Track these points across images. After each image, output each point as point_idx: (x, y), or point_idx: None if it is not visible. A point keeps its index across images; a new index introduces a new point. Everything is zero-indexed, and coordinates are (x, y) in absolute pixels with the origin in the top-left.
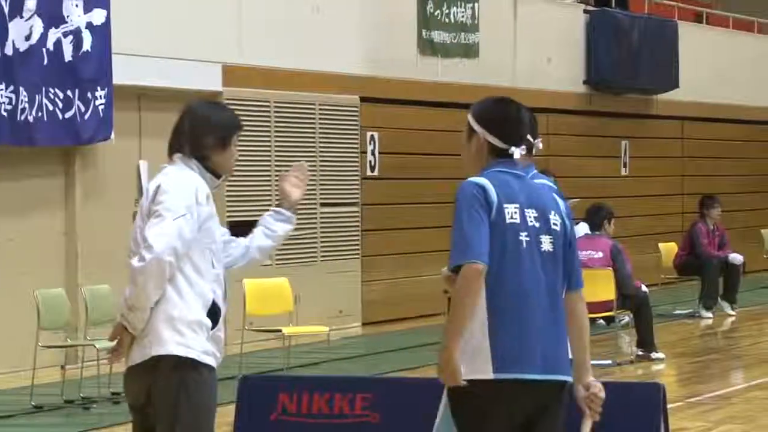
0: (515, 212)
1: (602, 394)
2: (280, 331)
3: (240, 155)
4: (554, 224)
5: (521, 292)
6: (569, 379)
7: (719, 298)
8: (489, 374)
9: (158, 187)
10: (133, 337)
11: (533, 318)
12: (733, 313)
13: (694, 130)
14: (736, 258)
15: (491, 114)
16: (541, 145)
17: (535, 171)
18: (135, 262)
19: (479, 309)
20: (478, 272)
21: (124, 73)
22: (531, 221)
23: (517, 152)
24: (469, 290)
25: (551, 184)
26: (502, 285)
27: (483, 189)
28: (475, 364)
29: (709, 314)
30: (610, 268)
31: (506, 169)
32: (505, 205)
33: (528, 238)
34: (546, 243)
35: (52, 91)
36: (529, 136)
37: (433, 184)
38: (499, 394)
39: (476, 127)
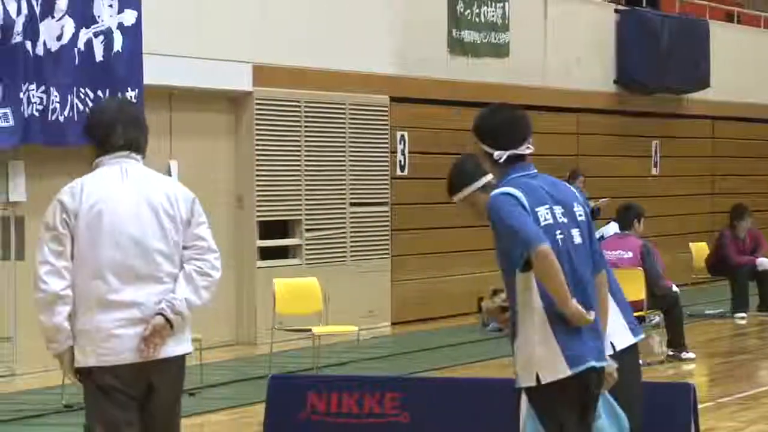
0: (547, 213)
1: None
2: (309, 330)
3: (270, 155)
4: (580, 216)
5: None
6: (610, 362)
7: (757, 310)
8: (567, 371)
9: (194, 199)
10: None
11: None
12: None
13: (724, 130)
14: (763, 263)
15: (492, 125)
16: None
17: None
18: (216, 273)
19: (537, 314)
20: (548, 251)
21: (154, 73)
22: (560, 218)
23: (525, 150)
24: (551, 268)
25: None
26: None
27: (514, 196)
28: (551, 365)
29: (743, 315)
30: (640, 268)
31: (523, 173)
32: (537, 209)
33: (562, 236)
34: (576, 236)
35: (83, 91)
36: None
37: None
38: (575, 386)
39: (481, 142)
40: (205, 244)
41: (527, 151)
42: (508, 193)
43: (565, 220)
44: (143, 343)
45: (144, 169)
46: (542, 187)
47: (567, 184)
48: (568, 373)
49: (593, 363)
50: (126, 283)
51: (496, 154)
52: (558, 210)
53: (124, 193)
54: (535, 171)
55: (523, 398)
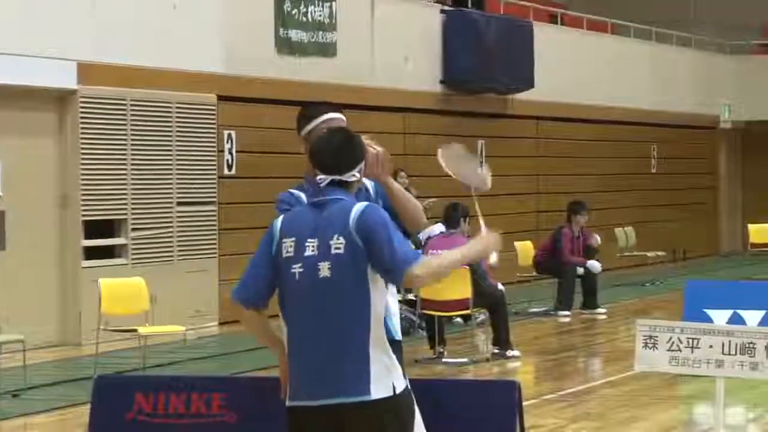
0: (291, 246)
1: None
2: (135, 330)
3: (96, 154)
4: (336, 249)
5: (295, 322)
6: (357, 399)
7: (580, 308)
8: (287, 401)
9: None
10: None
11: (306, 345)
12: (603, 311)
13: (548, 130)
14: (594, 266)
15: (318, 150)
16: (354, 178)
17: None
18: None
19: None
20: (235, 306)
21: None
22: (311, 251)
23: (321, 179)
24: (243, 322)
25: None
26: (284, 316)
27: (272, 227)
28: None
29: (567, 313)
30: (467, 267)
31: (313, 199)
32: (284, 240)
33: (302, 269)
34: (324, 270)
35: None
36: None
37: (290, 183)
38: (293, 421)
39: (312, 165)
40: None
41: (351, 179)
42: (274, 223)
43: (315, 253)
44: None
45: None
46: (310, 217)
47: (356, 210)
48: (288, 403)
49: (306, 402)
50: None
51: (318, 178)
52: (311, 243)
53: None
54: (333, 197)
55: None
